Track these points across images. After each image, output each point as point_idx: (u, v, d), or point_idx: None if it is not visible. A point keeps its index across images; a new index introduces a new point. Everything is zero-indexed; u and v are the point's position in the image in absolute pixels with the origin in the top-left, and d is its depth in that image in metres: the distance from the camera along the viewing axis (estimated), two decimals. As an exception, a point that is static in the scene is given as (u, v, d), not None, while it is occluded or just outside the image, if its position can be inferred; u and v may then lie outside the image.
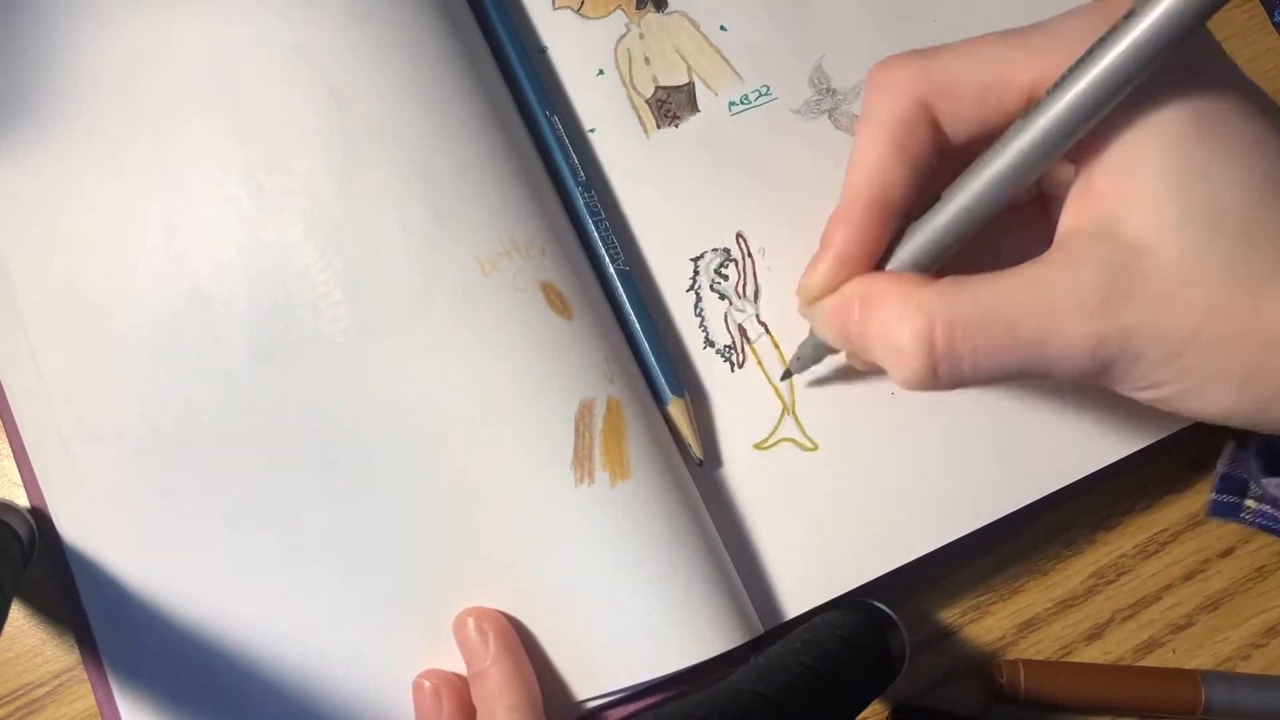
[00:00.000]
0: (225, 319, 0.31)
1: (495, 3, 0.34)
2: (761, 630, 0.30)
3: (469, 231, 0.30)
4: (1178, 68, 0.23)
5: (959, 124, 0.26)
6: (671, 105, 0.35)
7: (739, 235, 0.34)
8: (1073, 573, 0.35)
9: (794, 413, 0.32)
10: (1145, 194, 0.23)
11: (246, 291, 0.31)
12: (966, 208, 0.25)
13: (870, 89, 0.27)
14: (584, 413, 0.30)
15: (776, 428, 0.32)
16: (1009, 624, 0.35)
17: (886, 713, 0.34)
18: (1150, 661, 0.34)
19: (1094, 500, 0.35)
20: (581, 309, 0.31)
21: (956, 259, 0.27)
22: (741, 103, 0.35)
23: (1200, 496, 0.35)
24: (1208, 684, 0.33)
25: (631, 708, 0.31)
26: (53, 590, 0.33)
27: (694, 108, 0.35)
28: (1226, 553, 0.35)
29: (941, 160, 0.27)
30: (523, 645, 0.30)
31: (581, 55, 0.35)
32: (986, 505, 0.32)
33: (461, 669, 0.30)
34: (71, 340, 0.31)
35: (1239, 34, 0.38)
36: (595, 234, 0.33)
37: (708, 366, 0.33)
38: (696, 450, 0.32)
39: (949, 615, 0.35)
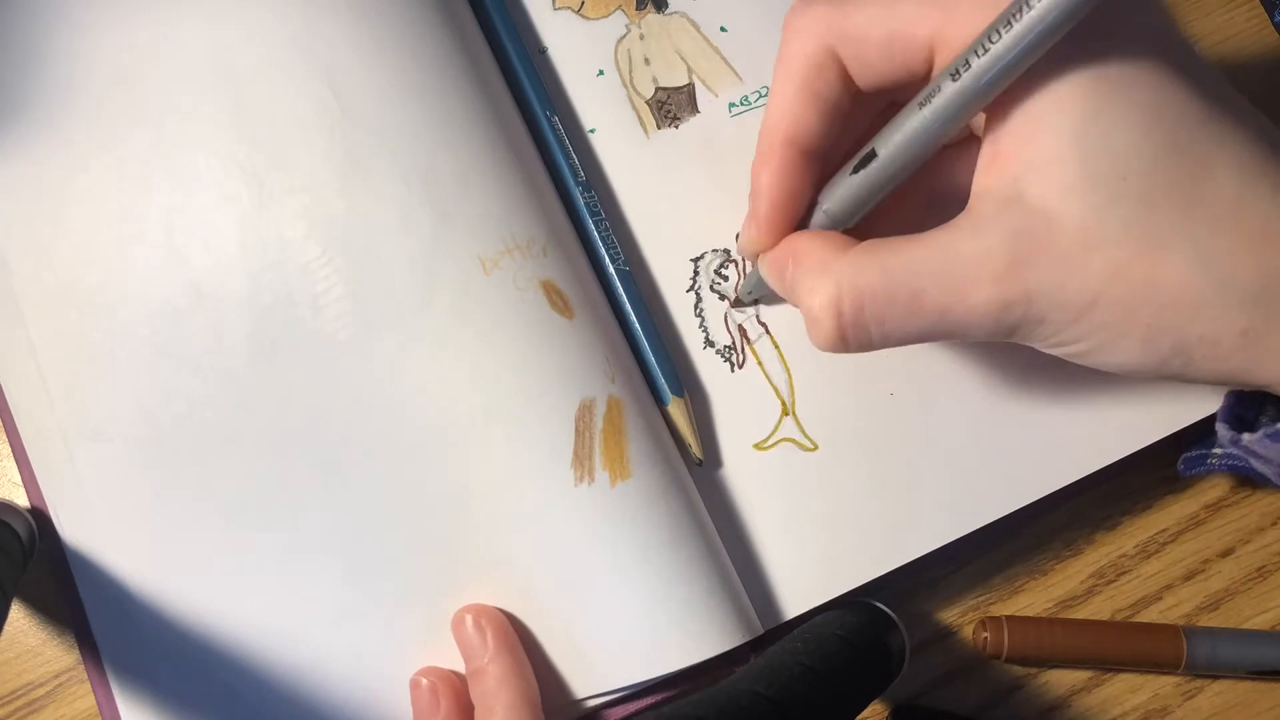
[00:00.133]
0: (226, 317, 0.31)
1: (496, 3, 0.34)
2: (761, 630, 0.30)
3: (470, 230, 0.30)
4: (1086, 28, 0.23)
5: (865, 72, 0.27)
6: (671, 106, 0.35)
7: (739, 236, 0.34)
8: (1073, 573, 0.35)
9: (794, 413, 0.32)
10: (1048, 159, 0.23)
11: (247, 289, 0.31)
12: (882, 165, 0.26)
13: (784, 30, 0.28)
14: (584, 412, 0.30)
15: (776, 428, 0.32)
16: (1009, 624, 0.35)
17: (886, 713, 0.34)
18: (1150, 662, 0.35)
19: (1094, 500, 0.35)
20: (582, 308, 0.31)
21: (897, 200, 0.28)
22: (741, 104, 0.35)
23: (1200, 497, 0.35)
24: (1189, 637, 0.33)
25: (631, 708, 0.31)
26: (53, 590, 0.33)
27: (694, 109, 0.35)
28: (1226, 553, 0.35)
29: (855, 105, 0.28)
30: (522, 644, 0.30)
31: (582, 56, 0.35)
32: (986, 505, 0.32)
33: (460, 668, 0.30)
34: (71, 338, 0.31)
35: (1239, 34, 0.38)
36: (596, 234, 0.33)
37: (708, 366, 0.33)
38: (696, 450, 0.32)
39: (949, 615, 0.35)
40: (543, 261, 0.31)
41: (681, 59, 0.35)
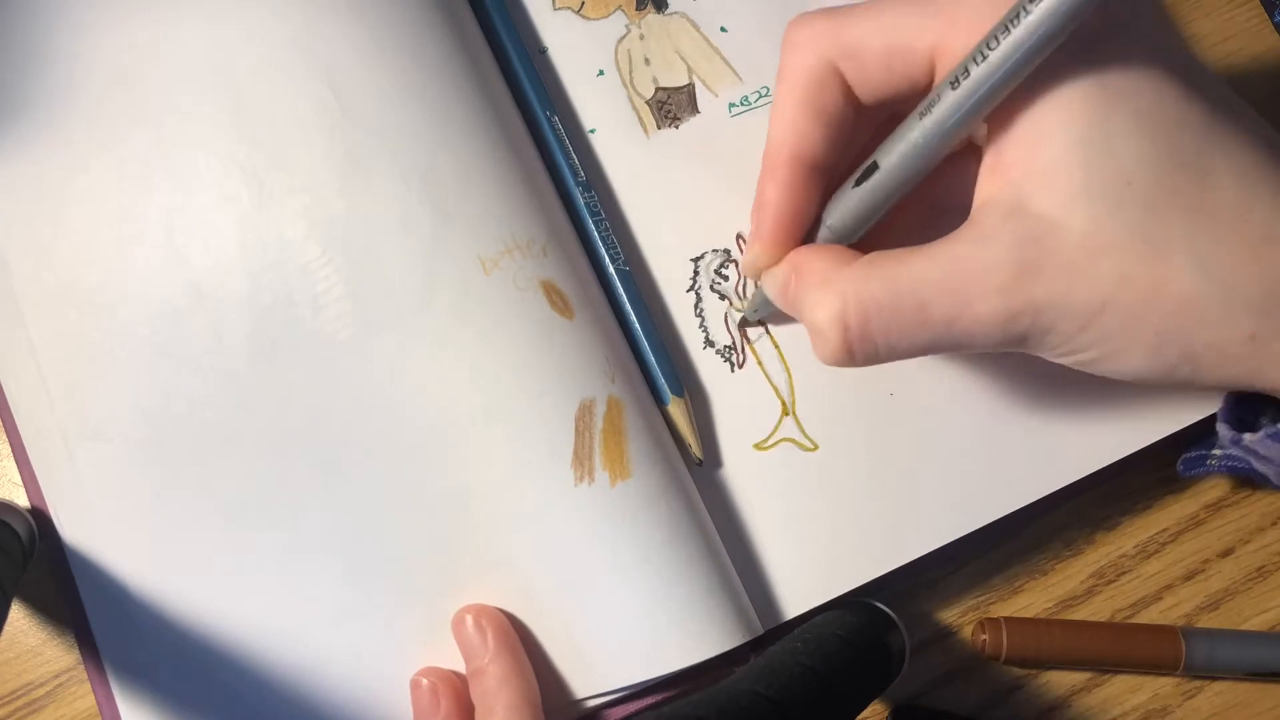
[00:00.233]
0: (226, 317, 0.31)
1: (496, 3, 0.34)
2: (761, 630, 0.30)
3: (470, 230, 0.30)
4: (1087, 37, 0.23)
5: (867, 85, 0.26)
6: (672, 106, 0.35)
7: (739, 236, 0.34)
8: (1073, 573, 0.35)
9: (794, 413, 0.33)
10: (1051, 167, 0.23)
11: (247, 289, 0.31)
12: (884, 177, 0.26)
13: (784, 45, 0.27)
14: (584, 412, 0.30)
15: (776, 428, 0.32)
16: (1009, 624, 0.35)
17: (886, 713, 0.34)
18: (1150, 662, 0.35)
19: (1094, 500, 0.35)
20: (582, 308, 0.31)
21: (901, 213, 0.27)
22: (741, 104, 0.35)
23: (1200, 497, 0.35)
24: (1188, 639, 0.33)
25: (631, 708, 0.31)
26: (53, 590, 0.33)
27: (694, 109, 0.35)
28: (1226, 553, 0.35)
29: (858, 119, 0.27)
30: (522, 644, 0.30)
31: (582, 56, 0.35)
32: (986, 505, 0.32)
33: (460, 668, 0.30)
34: (72, 338, 0.31)
35: (1239, 34, 0.38)
36: (596, 234, 0.33)
37: (708, 366, 0.33)
38: (696, 450, 0.32)
39: (949, 615, 0.35)
40: (543, 261, 0.31)
41: (681, 59, 0.35)
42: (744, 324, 0.33)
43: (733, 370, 0.33)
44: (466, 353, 0.30)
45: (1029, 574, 0.35)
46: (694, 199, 0.34)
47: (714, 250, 0.34)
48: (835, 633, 0.29)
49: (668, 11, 0.36)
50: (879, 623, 0.31)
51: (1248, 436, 0.27)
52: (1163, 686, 0.34)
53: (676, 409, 0.32)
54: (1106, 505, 0.35)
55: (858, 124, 0.28)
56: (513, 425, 0.30)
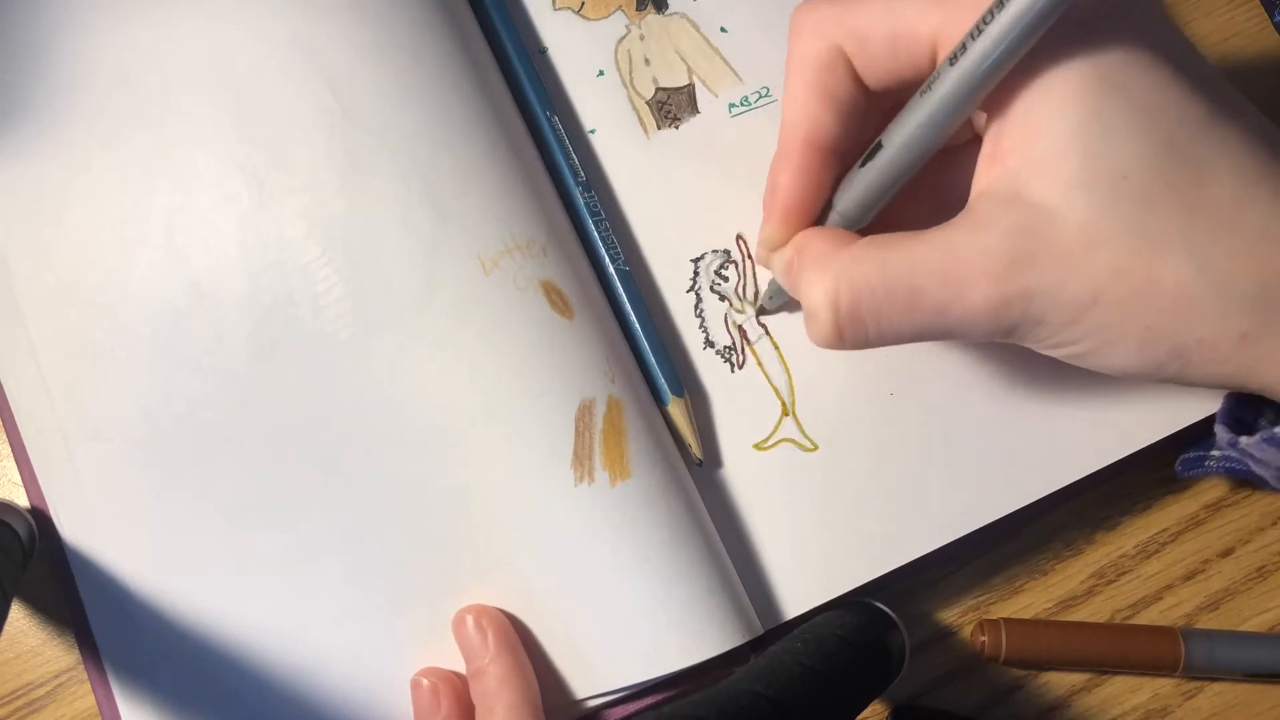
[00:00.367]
0: (226, 316, 0.31)
1: (496, 3, 0.34)
2: (761, 630, 0.30)
3: (470, 230, 0.30)
4: (1085, 26, 0.23)
5: (873, 70, 0.26)
6: (672, 106, 0.35)
7: (739, 237, 0.34)
8: (1073, 573, 0.35)
9: (794, 413, 0.33)
10: (1049, 157, 0.23)
11: (248, 289, 0.31)
12: (888, 160, 0.26)
13: (790, 31, 0.27)
14: (584, 412, 0.30)
15: (776, 428, 0.32)
16: (1009, 624, 0.35)
17: (886, 713, 0.34)
18: (1150, 662, 0.35)
19: (1094, 500, 0.35)
20: (582, 309, 0.31)
21: (909, 203, 0.28)
22: (741, 104, 0.35)
23: (1200, 497, 0.35)
24: (1187, 640, 0.33)
25: (631, 708, 0.31)
26: (53, 590, 0.33)
27: (694, 109, 0.35)
28: (1226, 553, 0.35)
29: (869, 104, 0.27)
30: (522, 644, 0.30)
31: (582, 56, 0.35)
32: (986, 505, 0.32)
33: (461, 668, 0.30)
34: (72, 338, 0.31)
35: (1239, 34, 0.38)
36: (596, 234, 0.33)
37: (708, 367, 0.33)
38: (696, 450, 0.32)
39: (949, 615, 0.35)
40: (543, 261, 0.31)
41: (681, 59, 0.35)
42: (761, 312, 0.33)
43: (733, 370, 0.33)
44: (466, 353, 0.30)
45: (1029, 574, 0.35)
46: (694, 199, 0.34)
47: (714, 251, 0.34)
48: (835, 633, 0.29)
49: (668, 12, 0.36)
50: (879, 623, 0.31)
51: (1244, 439, 0.27)
52: (1163, 687, 0.34)
53: (676, 409, 0.32)
54: (1106, 505, 0.35)
55: (869, 111, 0.28)
56: (513, 425, 0.30)
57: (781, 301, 0.33)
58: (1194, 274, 0.23)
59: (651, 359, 0.32)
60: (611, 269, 0.33)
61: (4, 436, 0.33)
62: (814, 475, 0.32)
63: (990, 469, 0.32)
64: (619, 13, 0.36)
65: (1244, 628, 0.35)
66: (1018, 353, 0.32)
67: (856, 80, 0.27)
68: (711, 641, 0.29)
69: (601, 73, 0.35)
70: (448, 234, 0.30)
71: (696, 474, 0.32)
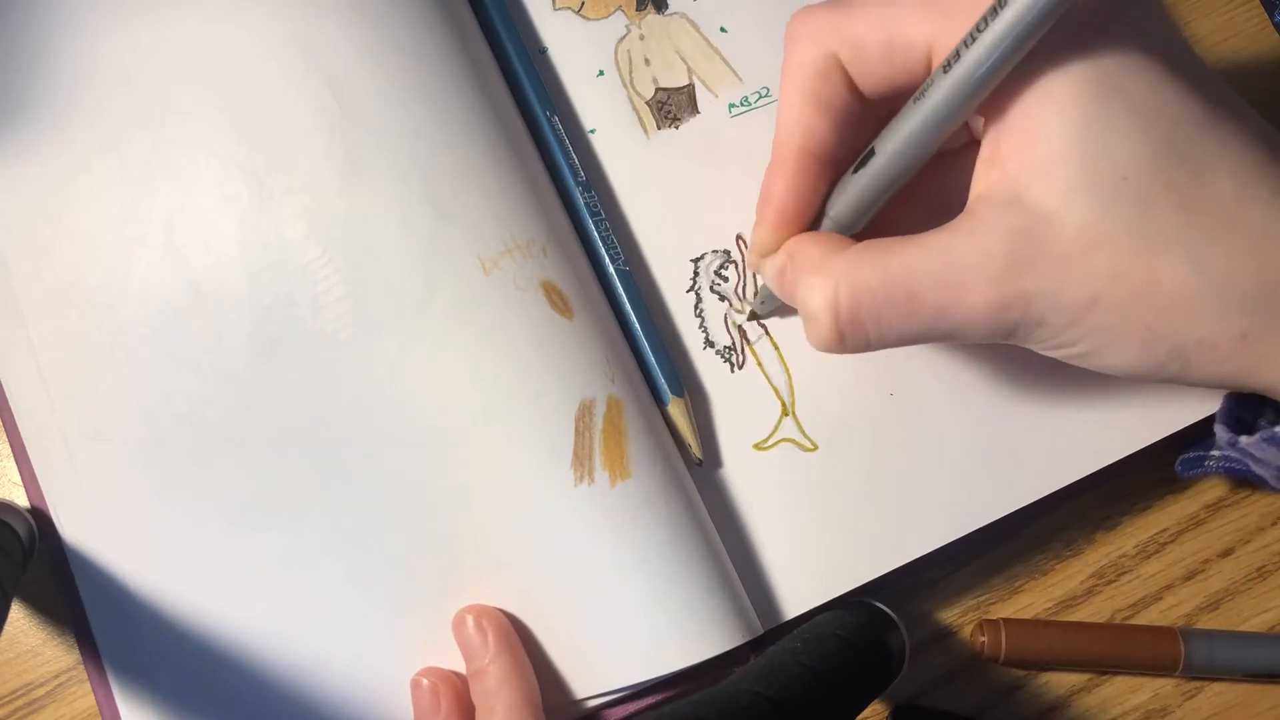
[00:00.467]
0: (226, 317, 0.31)
1: (496, 3, 0.34)
2: (761, 630, 0.30)
3: (470, 230, 0.30)
4: (1083, 28, 0.23)
5: (868, 77, 0.26)
6: (671, 107, 0.35)
7: (739, 237, 0.34)
8: (1073, 573, 0.35)
9: (794, 413, 0.33)
10: (1048, 159, 0.23)
11: (248, 289, 0.31)
12: (881, 167, 0.26)
13: (786, 39, 0.27)
14: (584, 412, 0.30)
15: (776, 428, 0.32)
16: (1009, 624, 0.35)
17: (886, 713, 0.34)
18: (1150, 662, 0.35)
19: (1094, 500, 0.35)
20: (582, 309, 0.31)
21: (903, 208, 0.27)
22: (741, 104, 0.35)
23: (1200, 497, 0.35)
24: (1187, 640, 0.33)
25: (631, 708, 0.31)
26: (53, 590, 0.33)
27: (694, 109, 0.35)
28: (1226, 553, 0.35)
29: (864, 114, 0.27)
30: (522, 644, 0.30)
31: (582, 56, 0.35)
32: (986, 505, 0.32)
33: (461, 668, 0.30)
34: (72, 338, 0.31)
35: (1239, 34, 0.38)
36: (596, 234, 0.33)
37: (708, 367, 0.33)
38: (696, 450, 0.32)
39: (949, 615, 0.35)
40: (543, 261, 0.31)
41: (681, 59, 0.35)
42: (752, 317, 0.33)
43: (733, 370, 0.33)
44: (466, 353, 0.30)
45: (1029, 574, 0.35)
46: (694, 199, 0.34)
47: (714, 251, 0.34)
48: (835, 633, 0.29)
49: (668, 12, 0.36)
50: (879, 623, 0.31)
51: (1243, 439, 0.27)
52: (1163, 686, 0.34)
53: (676, 409, 0.32)
54: (1106, 505, 0.35)
55: (864, 119, 0.28)
56: (513, 425, 0.30)
57: (773, 307, 0.33)
58: (1193, 274, 0.23)
59: (651, 359, 0.32)
60: (611, 269, 0.33)
61: (4, 436, 0.33)
62: (814, 475, 0.32)
63: (990, 469, 0.32)
64: (619, 13, 0.36)
65: (1244, 628, 0.35)
66: (1017, 353, 0.32)
67: (852, 88, 0.27)
68: (711, 641, 0.29)
69: (601, 73, 0.35)
70: (448, 234, 0.30)
71: (696, 474, 0.32)
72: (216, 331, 0.31)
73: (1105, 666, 0.34)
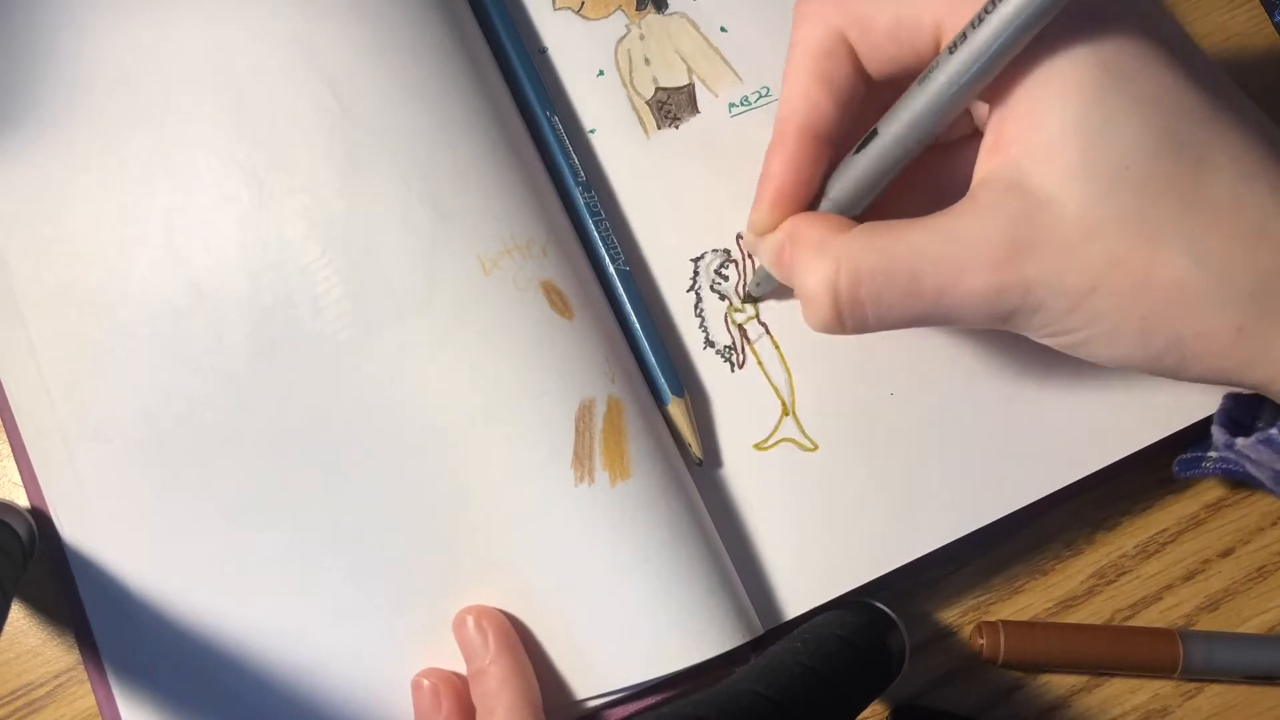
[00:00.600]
0: (226, 317, 0.31)
1: (496, 3, 0.34)
2: (761, 630, 0.30)
3: (470, 230, 0.30)
4: (1089, 17, 0.23)
5: (875, 57, 0.26)
6: (671, 106, 0.35)
7: (739, 237, 0.34)
8: (1073, 573, 0.35)
9: (794, 413, 0.32)
10: (1050, 145, 0.23)
11: (248, 289, 0.31)
12: (883, 148, 0.26)
13: (794, 17, 0.27)
14: (584, 412, 0.30)
15: (776, 428, 0.32)
16: (1009, 624, 0.35)
17: (886, 713, 0.34)
18: (1150, 662, 0.35)
19: (1093, 500, 0.35)
20: (582, 309, 0.31)
21: (904, 193, 0.27)
22: (741, 104, 0.35)
23: (1200, 497, 0.35)
24: (1186, 641, 0.33)
25: (631, 708, 0.31)
26: (53, 590, 0.33)
27: (694, 109, 0.35)
28: (1226, 553, 0.35)
29: (869, 95, 0.27)
30: (522, 644, 0.30)
31: (582, 56, 0.35)
32: (986, 505, 0.32)
33: (461, 669, 0.30)
34: (72, 339, 0.31)
35: (1239, 34, 0.38)
36: (596, 234, 0.33)
37: (708, 366, 0.33)
38: (696, 450, 0.32)
39: (949, 615, 0.35)
40: (543, 261, 0.31)
41: (681, 59, 0.35)
42: (747, 298, 0.33)
43: (733, 370, 0.33)
44: (466, 353, 0.30)
45: (1029, 574, 0.35)
46: (694, 199, 0.34)
47: (714, 250, 0.34)
48: (835, 633, 0.29)
49: (668, 11, 0.36)
50: (879, 623, 0.31)
51: (1240, 441, 0.27)
52: (1162, 687, 0.34)
53: (676, 409, 0.32)
54: (1106, 505, 0.35)
55: (868, 101, 0.27)
56: (513, 425, 0.30)
57: (770, 288, 0.33)
58: (1191, 266, 0.23)
59: (651, 359, 0.32)
60: (611, 269, 0.33)
61: (4, 436, 0.33)
62: (814, 475, 0.32)
63: (990, 469, 0.32)
64: (619, 12, 0.36)
65: (1244, 628, 0.35)
66: (1018, 353, 0.32)
67: (857, 67, 0.27)
68: (711, 641, 0.29)
69: (601, 73, 0.35)
70: (448, 234, 0.30)
71: (696, 474, 0.32)
72: (216, 331, 0.31)
73: (1103, 669, 0.34)
